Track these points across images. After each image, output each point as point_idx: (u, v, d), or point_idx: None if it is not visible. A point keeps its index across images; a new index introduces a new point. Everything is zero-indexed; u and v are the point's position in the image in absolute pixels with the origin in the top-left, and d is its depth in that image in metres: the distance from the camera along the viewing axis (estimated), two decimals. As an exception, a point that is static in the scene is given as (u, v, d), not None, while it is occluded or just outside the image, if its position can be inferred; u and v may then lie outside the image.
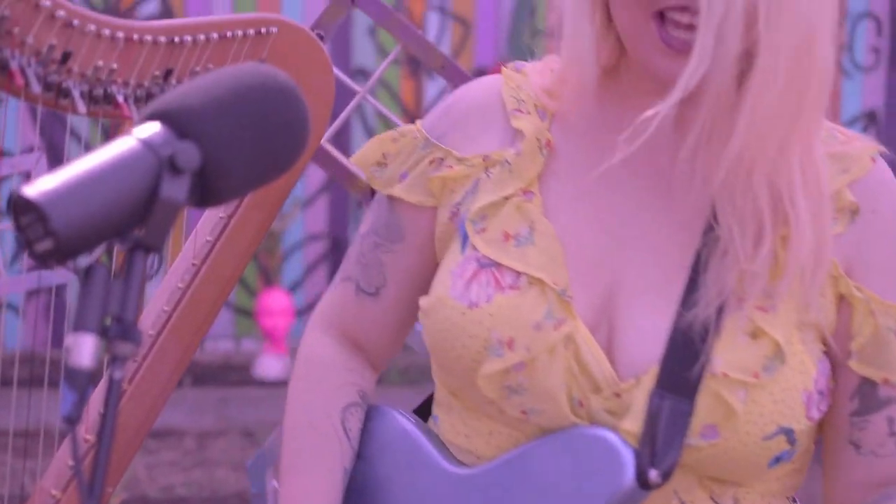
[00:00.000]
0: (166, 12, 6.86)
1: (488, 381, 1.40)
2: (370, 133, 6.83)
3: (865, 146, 1.46)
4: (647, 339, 1.38)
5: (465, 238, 1.46)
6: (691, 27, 1.31)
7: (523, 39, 6.99)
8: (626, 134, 1.36)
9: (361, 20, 6.92)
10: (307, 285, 7.11)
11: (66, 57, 1.47)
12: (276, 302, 6.86)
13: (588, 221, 1.44)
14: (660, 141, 1.42)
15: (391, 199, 1.55)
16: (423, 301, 1.47)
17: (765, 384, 1.35)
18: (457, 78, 2.16)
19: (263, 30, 1.59)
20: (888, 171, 1.46)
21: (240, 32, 1.57)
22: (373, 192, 2.27)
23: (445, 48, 7.03)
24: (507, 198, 1.45)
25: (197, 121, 1.06)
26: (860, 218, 1.42)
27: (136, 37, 1.50)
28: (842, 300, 1.41)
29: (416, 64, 7.01)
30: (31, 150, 6.36)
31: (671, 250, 1.41)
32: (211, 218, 1.65)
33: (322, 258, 7.09)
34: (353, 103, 2.24)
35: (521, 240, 1.43)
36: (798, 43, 1.32)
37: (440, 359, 1.45)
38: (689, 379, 1.35)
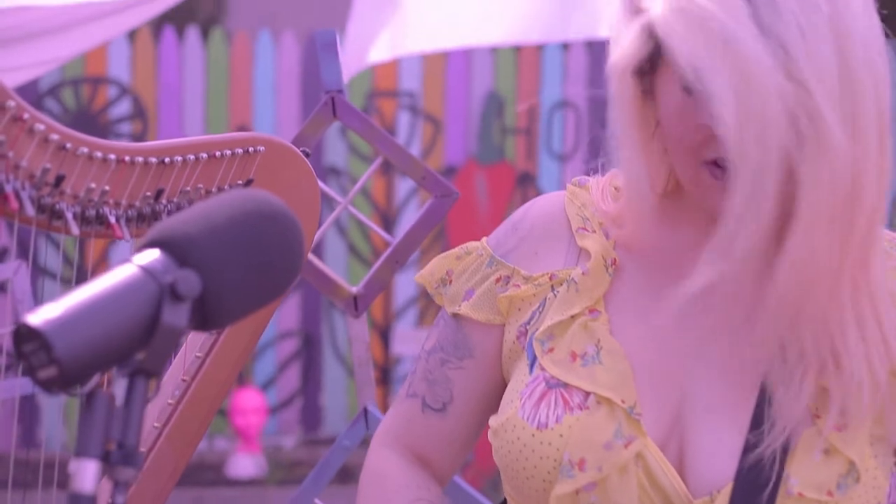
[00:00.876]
0: (139, 113, 6.90)
1: (561, 501, 1.41)
2: (344, 236, 6.86)
3: None
4: (719, 457, 1.40)
5: (533, 358, 1.48)
6: None
7: (493, 138, 7.05)
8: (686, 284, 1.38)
9: (333, 119, 6.98)
10: (280, 383, 7.10)
11: (59, 180, 1.49)
12: (249, 400, 6.84)
13: (655, 340, 1.46)
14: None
15: (457, 316, 1.56)
16: (493, 421, 1.49)
17: (839, 502, 1.36)
18: (437, 189, 2.19)
19: (251, 149, 1.62)
20: None
21: (228, 152, 1.60)
22: (355, 301, 2.30)
23: (416, 147, 7.09)
24: (573, 317, 1.47)
25: (197, 249, 1.08)
26: None
27: (127, 158, 1.53)
28: None
29: (387, 160, 7.05)
30: (4, 251, 6.38)
31: (740, 369, 1.43)
32: (200, 333, 1.67)
33: (294, 356, 7.08)
34: (334, 214, 2.27)
35: (588, 359, 1.45)
36: (839, 199, 1.32)
37: (511, 478, 1.47)
38: (763, 498, 1.36)
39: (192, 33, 7.01)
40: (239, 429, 6.80)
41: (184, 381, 1.65)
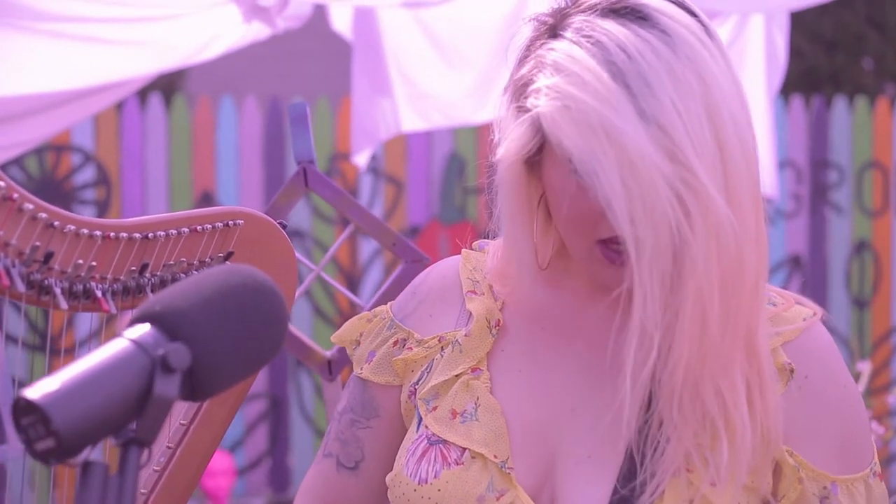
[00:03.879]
0: (102, 179, 6.93)
1: None
2: (310, 298, 6.90)
3: (801, 310, 1.55)
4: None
5: (420, 417, 1.55)
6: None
7: (455, 198, 7.12)
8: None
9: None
10: (248, 445, 7.10)
11: (48, 257, 1.55)
12: (218, 462, 6.83)
13: (533, 397, 1.53)
14: (601, 320, 1.53)
15: (362, 378, 1.64)
16: (387, 477, 1.56)
17: None
18: (408, 255, 2.26)
19: (231, 222, 1.68)
20: (822, 337, 1.55)
21: (209, 226, 1.66)
22: (329, 365, 2.36)
23: (379, 208, 7.14)
24: (457, 376, 1.55)
25: (186, 323, 1.13)
26: (794, 381, 1.50)
27: (112, 234, 1.58)
28: (775, 462, 1.49)
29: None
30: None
31: (610, 422, 1.48)
32: (184, 405, 1.72)
33: (261, 417, 7.09)
34: (307, 281, 2.33)
35: (466, 416, 1.52)
36: (727, 269, 1.39)
37: None
38: None
39: (155, 99, 7.05)
40: (208, 491, 6.79)
41: (168, 447, 1.69)
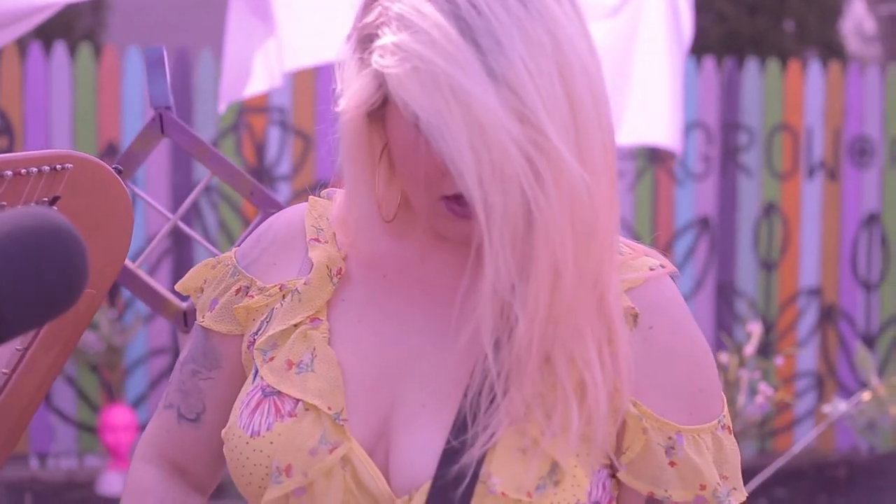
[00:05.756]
0: (5, 129, 6.82)
1: None
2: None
3: (647, 260, 1.53)
4: (420, 457, 1.43)
5: (256, 367, 1.51)
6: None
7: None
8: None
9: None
10: (151, 400, 7.05)
11: None
12: (120, 417, 6.79)
13: (373, 347, 1.50)
14: (445, 270, 1.50)
15: (204, 327, 1.60)
16: (222, 431, 1.52)
17: (535, 503, 1.40)
18: (266, 204, 2.21)
19: (59, 166, 1.63)
20: (668, 287, 1.53)
21: (34, 169, 1.60)
22: (184, 317, 2.31)
23: (287, 162, 7.09)
24: (296, 326, 1.51)
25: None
26: (638, 329, 1.48)
27: (-74, 175, 1.53)
28: (618, 413, 1.46)
29: (259, 176, 7.05)
30: None
31: (447, 374, 1.47)
32: (6, 350, 1.67)
33: (166, 373, 7.04)
34: (164, 230, 2.28)
35: (302, 367, 1.48)
36: (579, 229, 1.36)
37: (237, 485, 1.50)
38: (457, 494, 1.40)
39: (60, 49, 6.94)
40: (110, 446, 6.75)
41: (-14, 397, 1.65)
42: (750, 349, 4.09)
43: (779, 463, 4.25)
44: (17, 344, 1.66)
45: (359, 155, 1.45)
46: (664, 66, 4.78)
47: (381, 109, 1.42)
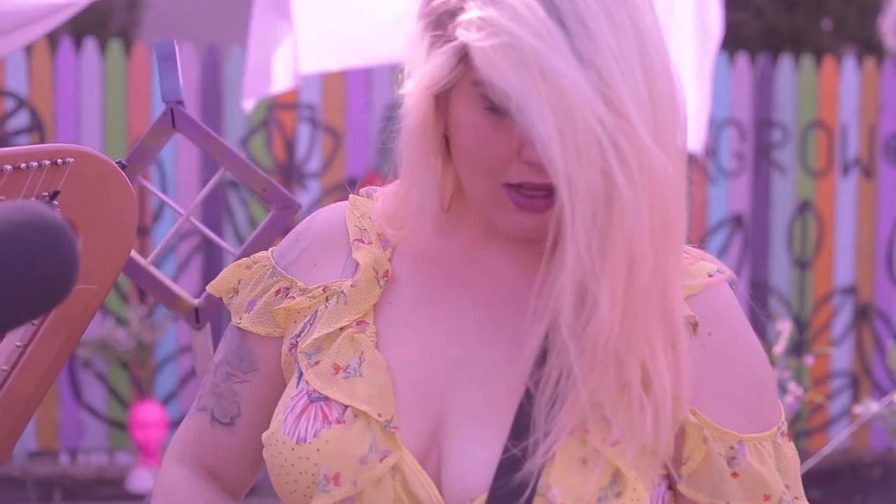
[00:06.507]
0: (36, 126, 6.84)
1: None
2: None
3: (706, 265, 1.48)
4: (475, 467, 1.38)
5: (300, 371, 1.46)
6: (546, 191, 1.34)
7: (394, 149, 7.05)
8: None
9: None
10: (181, 397, 7.05)
11: None
12: (150, 414, 6.80)
13: (422, 351, 1.45)
14: (493, 270, 1.46)
15: (240, 329, 1.55)
16: (263, 436, 1.47)
17: None
18: (279, 200, 2.19)
19: (60, 160, 1.60)
20: (726, 294, 1.48)
21: (35, 164, 1.58)
22: (196, 314, 2.29)
23: (317, 159, 7.08)
24: (342, 329, 1.46)
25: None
26: (697, 337, 1.43)
27: (-74, 169, 1.51)
28: (678, 423, 1.41)
29: (289, 173, 7.04)
30: None
31: (501, 378, 1.42)
32: (5, 347, 1.65)
33: (195, 370, 7.03)
34: (176, 225, 2.26)
35: (350, 371, 1.43)
36: (658, 220, 1.32)
37: (279, 492, 1.45)
38: None
39: (90, 45, 6.95)
40: (139, 443, 6.76)
41: (-15, 393, 1.63)
42: (779, 348, 4.05)
43: (809, 464, 4.20)
44: (16, 340, 1.64)
45: (424, 139, 1.40)
46: (690, 69, 4.74)
47: (446, 94, 1.38)
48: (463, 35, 1.32)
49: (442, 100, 1.39)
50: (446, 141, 1.42)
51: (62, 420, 6.98)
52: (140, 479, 6.72)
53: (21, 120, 6.84)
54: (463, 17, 1.33)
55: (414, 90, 1.38)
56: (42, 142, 6.76)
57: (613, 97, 1.28)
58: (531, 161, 1.33)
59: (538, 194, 1.36)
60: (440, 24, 1.37)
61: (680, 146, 1.37)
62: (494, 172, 1.37)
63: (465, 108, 1.37)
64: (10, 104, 6.83)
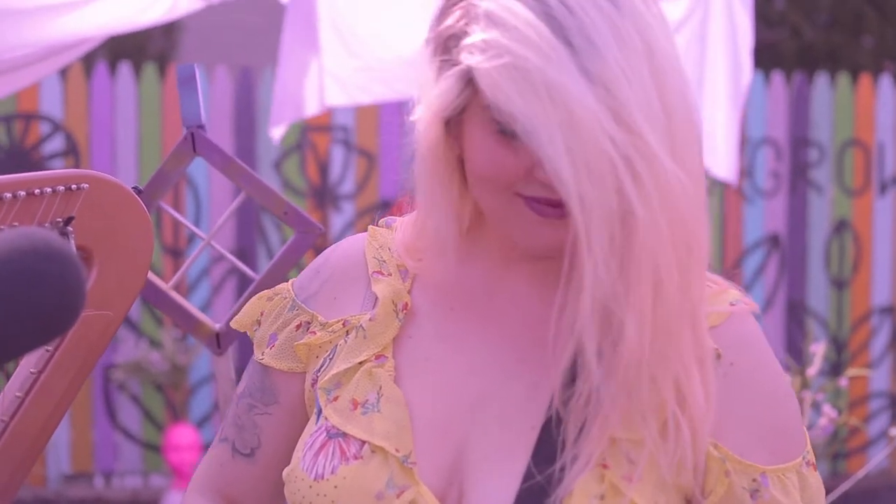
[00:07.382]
0: (71, 149, 6.87)
1: None
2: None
3: (729, 294, 1.46)
4: (494, 502, 1.37)
5: (319, 407, 1.45)
6: (562, 206, 1.32)
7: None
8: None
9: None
10: (215, 420, 7.05)
11: None
12: (184, 437, 6.80)
13: (439, 385, 1.43)
14: (510, 302, 1.44)
15: (263, 364, 1.55)
16: (283, 472, 1.46)
17: None
18: (300, 224, 2.18)
19: (74, 186, 1.60)
20: (749, 324, 1.46)
21: (49, 189, 1.58)
22: (217, 339, 2.28)
23: (350, 182, 7.07)
24: (360, 364, 1.45)
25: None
26: (720, 367, 1.41)
27: (-61, 196, 1.51)
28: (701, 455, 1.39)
29: (322, 195, 7.04)
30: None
31: (523, 413, 1.40)
32: (20, 374, 1.65)
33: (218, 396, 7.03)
34: (198, 250, 2.25)
35: (368, 407, 1.42)
36: (679, 240, 1.30)
37: None
38: None
39: (125, 69, 6.98)
40: (174, 465, 6.76)
41: (2, 421, 1.62)
42: (812, 370, 4.01)
43: (844, 486, 4.15)
44: (31, 367, 1.64)
45: (436, 165, 1.39)
46: (722, 94, 4.70)
47: (458, 117, 1.37)
48: (467, 58, 1.31)
49: (454, 124, 1.38)
50: (462, 165, 1.40)
51: (97, 442, 7.00)
52: (175, 502, 6.72)
53: (56, 144, 6.88)
54: (467, 40, 1.32)
55: (424, 116, 1.37)
56: (77, 166, 6.79)
57: (623, 112, 1.26)
58: (544, 182, 1.31)
59: (553, 209, 1.34)
60: (446, 48, 1.36)
61: (700, 162, 1.34)
62: (507, 185, 1.35)
63: (476, 131, 1.35)
64: (45, 128, 6.86)
